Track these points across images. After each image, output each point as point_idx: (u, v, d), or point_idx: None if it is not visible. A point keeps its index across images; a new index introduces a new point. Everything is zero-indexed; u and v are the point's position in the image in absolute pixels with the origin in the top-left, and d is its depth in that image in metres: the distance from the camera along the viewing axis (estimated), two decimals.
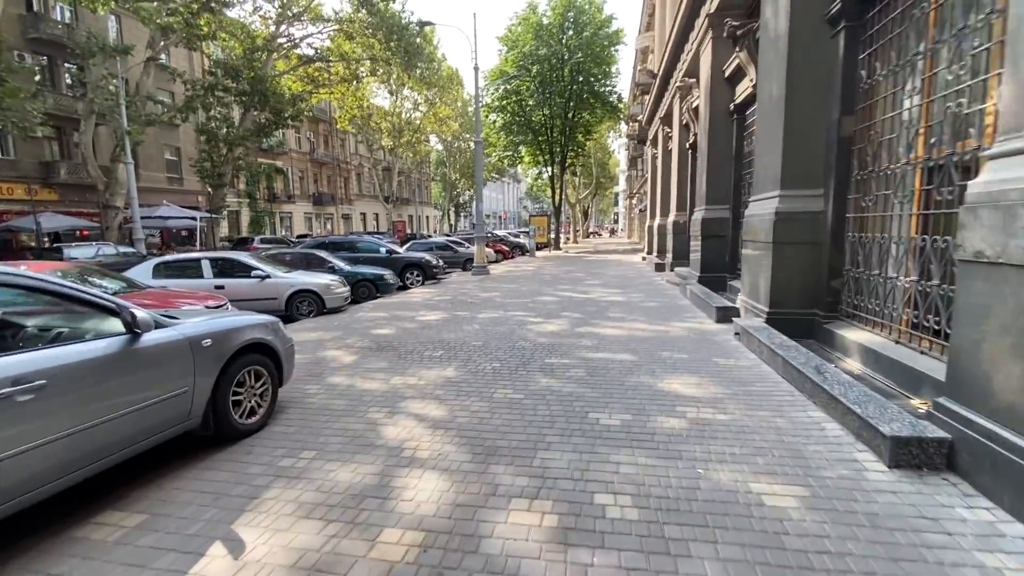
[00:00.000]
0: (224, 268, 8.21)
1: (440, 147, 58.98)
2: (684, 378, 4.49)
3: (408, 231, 49.90)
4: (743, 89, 8.90)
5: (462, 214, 72.09)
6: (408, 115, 43.56)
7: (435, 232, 56.91)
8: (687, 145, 13.86)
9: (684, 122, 13.64)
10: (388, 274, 11.08)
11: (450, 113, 45.29)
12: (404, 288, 12.98)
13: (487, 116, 32.45)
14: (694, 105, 12.09)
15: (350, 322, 7.84)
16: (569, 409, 3.83)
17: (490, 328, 7.01)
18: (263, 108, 25.14)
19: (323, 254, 10.87)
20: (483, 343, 6.10)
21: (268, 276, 8.22)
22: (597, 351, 5.58)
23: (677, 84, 13.10)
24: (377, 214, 54.38)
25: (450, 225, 66.82)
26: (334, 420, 3.79)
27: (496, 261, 22.75)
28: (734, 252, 9.73)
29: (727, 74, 9.49)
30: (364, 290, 10.65)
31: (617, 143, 70.19)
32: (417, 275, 13.18)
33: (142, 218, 19.63)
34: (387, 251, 13.01)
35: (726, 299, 8.23)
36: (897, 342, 4.31)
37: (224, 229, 34.01)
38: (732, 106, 9.50)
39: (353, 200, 50.90)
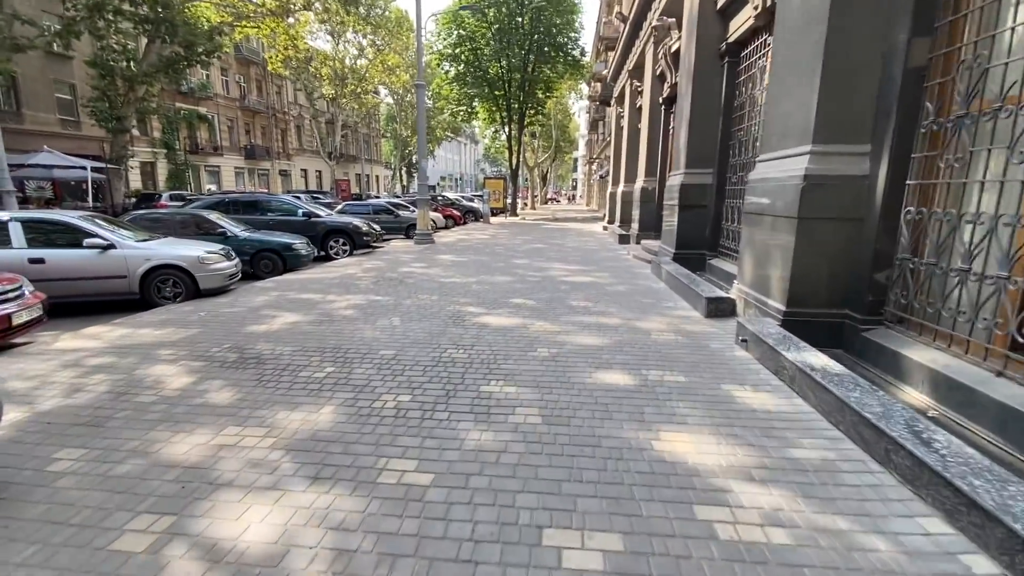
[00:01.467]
0: (46, 234, 5.90)
1: (390, 100, 54.83)
2: (694, 433, 2.88)
3: (355, 191, 46.46)
4: (741, 22, 7.17)
5: (415, 174, 68.32)
6: (353, 62, 39.52)
7: (385, 193, 53.43)
8: (660, 99, 12.14)
9: (658, 71, 11.87)
10: (300, 243, 8.95)
11: (399, 62, 41.44)
12: (328, 259, 10.87)
13: (438, 65, 29.47)
14: (673, 48, 10.31)
15: (223, 312, 5.80)
16: (511, 521, 2.13)
17: (414, 325, 5.19)
18: (171, 39, 21.40)
19: (214, 217, 8.56)
20: (397, 352, 4.30)
21: (111, 246, 5.97)
22: (557, 370, 3.90)
23: (652, 25, 11.24)
24: (320, 172, 50.34)
25: (402, 186, 63.22)
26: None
27: (446, 227, 20.69)
28: (716, 225, 8.25)
29: (720, 4, 7.73)
30: (267, 263, 8.53)
31: (578, 106, 67.91)
32: (343, 244, 11.05)
33: (16, 166, 16.17)
34: (305, 214, 10.75)
35: (714, 284, 6.74)
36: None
37: (136, 182, 29.90)
38: (724, 46, 7.79)
39: (292, 155, 46.59)
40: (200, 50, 21.91)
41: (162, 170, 32.23)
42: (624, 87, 17.36)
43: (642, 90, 14.22)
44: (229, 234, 8.32)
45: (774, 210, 4.66)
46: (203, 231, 8.28)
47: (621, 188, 16.98)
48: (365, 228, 11.30)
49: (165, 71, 21.84)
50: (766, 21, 6.56)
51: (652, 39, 11.93)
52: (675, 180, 8.85)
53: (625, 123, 17.02)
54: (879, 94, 3.98)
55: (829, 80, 4.06)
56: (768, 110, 5.09)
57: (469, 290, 7.08)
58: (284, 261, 8.62)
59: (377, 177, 64.17)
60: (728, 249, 7.82)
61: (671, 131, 11.97)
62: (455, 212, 21.95)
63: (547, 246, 13.44)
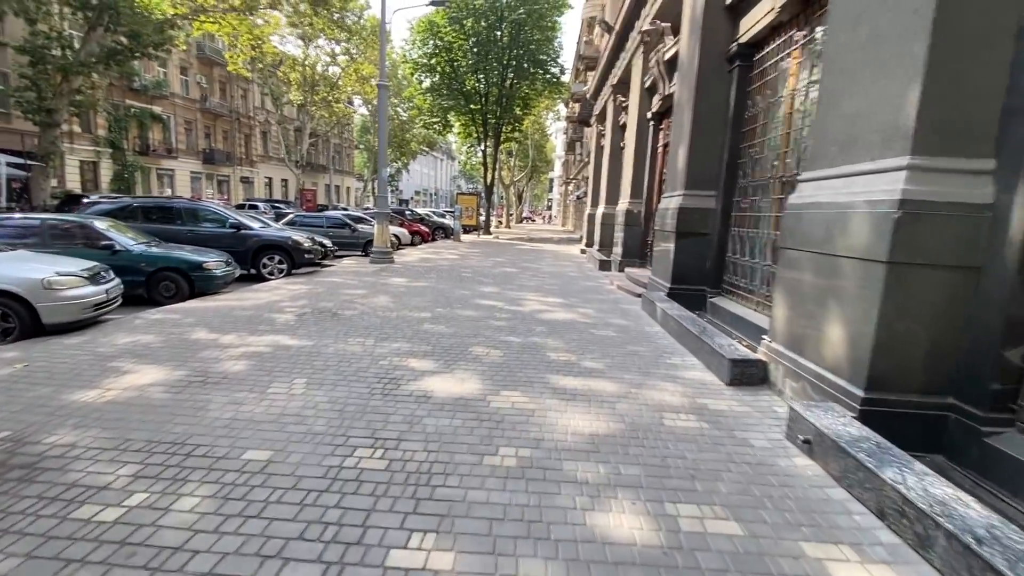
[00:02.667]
0: None
1: (365, 111, 53.28)
2: None
3: (322, 202, 44.31)
4: (756, 19, 5.99)
5: (389, 187, 66.49)
6: (324, 68, 37.92)
7: (356, 205, 51.38)
8: (648, 114, 11.00)
9: (647, 83, 10.75)
10: (216, 261, 7.23)
11: (374, 72, 40.05)
12: (260, 279, 9.13)
13: (412, 74, 28.17)
14: (667, 56, 9.17)
15: (55, 363, 4.08)
16: None
17: (321, 396, 3.60)
18: (115, 28, 19.47)
19: (100, 226, 6.76)
20: (272, 457, 2.69)
21: None
22: (531, 499, 2.39)
23: (643, 29, 10.13)
24: (286, 180, 48.01)
25: (374, 199, 61.13)
26: None
27: (412, 244, 19.09)
28: (720, 257, 6.95)
29: (729, 0, 6.57)
30: (168, 286, 6.78)
31: (555, 127, 67.73)
32: (279, 262, 9.34)
33: None
34: (233, 225, 9.01)
35: (719, 329, 5.38)
36: None
37: (75, 183, 27.28)
38: (733, 48, 6.60)
39: (256, 162, 44.26)
40: (147, 42, 20.02)
41: (107, 171, 29.61)
42: (606, 104, 16.31)
43: (627, 105, 13.12)
44: (119, 247, 6.55)
45: (835, 247, 3.32)
46: (85, 243, 6.49)
47: (601, 209, 15.78)
48: (307, 244, 9.62)
49: (105, 62, 19.80)
50: (794, 13, 5.38)
51: (641, 47, 10.82)
52: (671, 203, 7.57)
53: (607, 141, 15.92)
54: (1011, 85, 2.71)
55: (940, 63, 2.76)
56: (822, 112, 3.79)
57: (418, 331, 5.52)
58: (191, 283, 6.88)
59: (348, 188, 62.09)
60: (735, 287, 6.52)
61: (659, 148, 10.82)
62: (423, 228, 20.38)
63: (521, 270, 12.01)
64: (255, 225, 9.38)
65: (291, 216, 14.37)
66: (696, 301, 7.08)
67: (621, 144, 14.69)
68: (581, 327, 6.09)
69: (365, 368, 4.17)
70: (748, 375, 4.10)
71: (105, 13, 18.96)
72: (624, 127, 14.13)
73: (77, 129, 27.34)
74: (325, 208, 33.42)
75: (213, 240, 8.84)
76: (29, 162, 18.68)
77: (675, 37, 9.03)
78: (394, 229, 17.25)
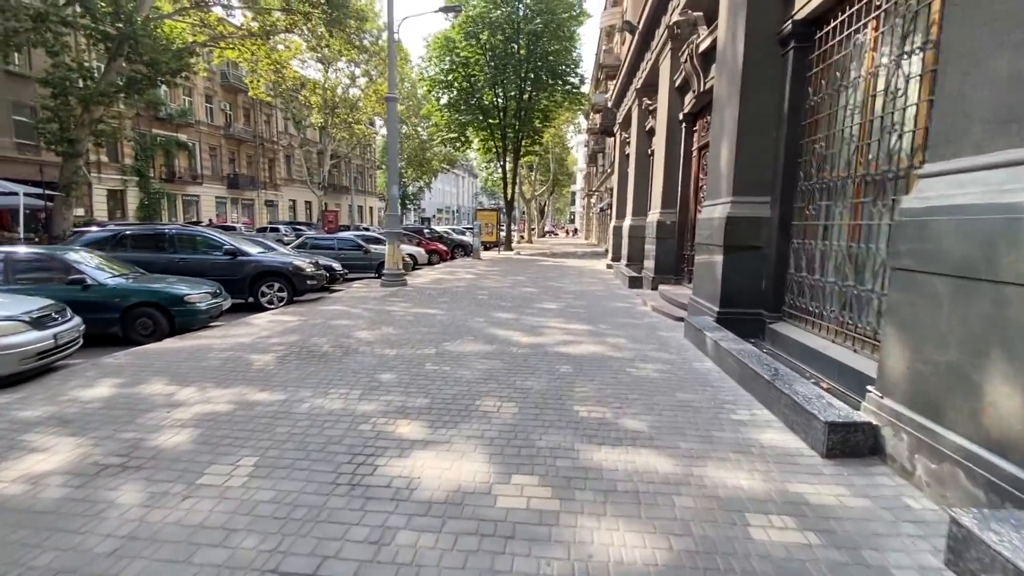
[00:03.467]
0: None
1: (386, 132, 53.73)
2: None
3: (344, 223, 44.39)
4: None
5: (410, 206, 66.74)
6: (344, 91, 38.17)
7: (379, 225, 51.45)
8: (680, 115, 9.97)
9: (678, 81, 9.73)
10: (201, 292, 6.47)
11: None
12: (259, 308, 8.39)
13: (430, 91, 27.84)
14: (701, 48, 8.15)
15: None
16: None
17: (267, 490, 2.65)
18: (136, 58, 19.62)
19: (73, 257, 6.09)
20: None
21: None
22: None
23: (672, 22, 9.16)
24: (310, 203, 48.43)
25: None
26: None
27: (429, 263, 18.34)
28: (780, 275, 5.81)
29: None
30: (146, 323, 6.04)
31: (576, 139, 67.03)
32: (279, 290, 8.59)
33: None
34: (229, 251, 8.32)
35: (801, 372, 4.25)
36: None
37: (103, 211, 27.71)
38: (788, 25, 5.56)
39: (280, 185, 44.79)
40: (165, 69, 20.10)
41: (133, 199, 30.08)
42: (630, 109, 15.33)
43: (654, 108, 12.12)
44: (90, 281, 5.86)
45: (997, 270, 2.23)
46: (53, 277, 5.83)
47: (628, 222, 14.71)
48: (309, 269, 8.85)
49: (126, 91, 19.95)
50: None
51: (669, 44, 9.84)
52: (715, 212, 6.48)
53: (632, 149, 14.90)
54: None
55: None
56: (951, 81, 2.70)
57: (418, 375, 4.57)
58: (171, 319, 6.13)
59: (371, 208, 62.51)
60: (803, 312, 5.37)
61: (694, 152, 9.75)
62: (440, 247, 19.63)
63: (542, 290, 11.01)
64: (253, 250, 8.67)
65: (302, 239, 13.77)
66: (751, 328, 5.95)
67: (649, 151, 13.66)
68: (615, 364, 5.04)
69: (338, 437, 3.22)
70: (852, 444, 2.98)
71: (125, 43, 19.10)
72: (651, 132, 13.11)
73: (104, 159, 27.87)
74: (347, 229, 33.24)
75: (207, 268, 8.17)
76: (49, 191, 18.78)
77: (708, 27, 8.02)
78: (409, 249, 16.54)
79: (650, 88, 12.92)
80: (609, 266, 16.92)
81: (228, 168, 38.39)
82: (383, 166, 58.16)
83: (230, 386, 4.21)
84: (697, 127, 9.59)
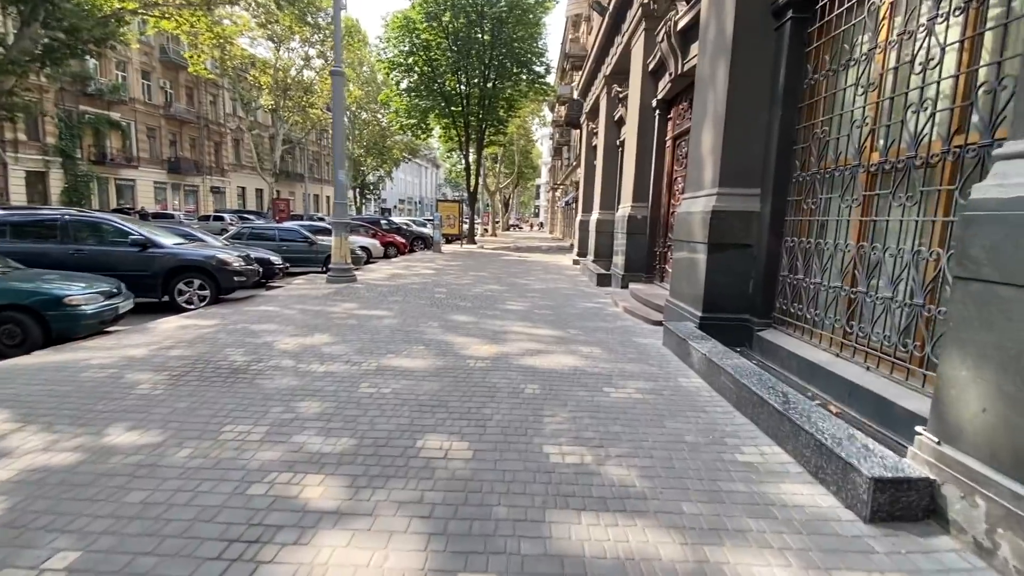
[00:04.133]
0: None
1: (344, 119, 51.50)
2: None
3: (301, 212, 42.10)
4: None
5: (370, 196, 64.46)
6: (299, 72, 35.99)
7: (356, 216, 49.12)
8: (653, 102, 9.30)
9: (652, 65, 9.05)
10: (85, 294, 5.29)
11: (350, 75, 38.24)
12: (176, 309, 7.19)
13: (387, 74, 26.39)
14: (679, 25, 7.46)
15: None
16: None
17: None
18: (56, 24, 17.47)
19: None
20: None
21: None
22: None
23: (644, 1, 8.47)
24: (261, 190, 45.76)
25: (357, 208, 59.23)
26: None
27: (386, 256, 17.20)
28: (770, 277, 5.19)
29: None
30: (13, 331, 4.84)
31: (541, 132, 66.33)
32: (200, 287, 7.39)
33: None
34: (138, 242, 7.05)
35: (802, 389, 3.58)
36: None
37: (20, 195, 24.94)
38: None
39: (227, 171, 42.07)
40: (87, 37, 17.99)
41: (57, 182, 27.29)
42: (598, 97, 14.64)
43: (625, 96, 11.45)
44: None
45: None
46: None
47: (595, 216, 14.06)
48: (237, 263, 7.68)
49: (42, 60, 17.74)
50: None
51: (644, 22, 9.15)
52: (696, 205, 5.81)
53: (600, 140, 14.23)
54: None
55: None
56: None
57: (347, 402, 3.66)
58: (46, 325, 4.94)
59: (327, 198, 59.91)
60: (796, 319, 4.76)
61: (668, 142, 9.12)
62: (398, 239, 18.48)
63: (506, 288, 10.19)
64: (168, 241, 7.41)
65: (236, 229, 12.40)
66: (737, 335, 5.33)
67: (618, 141, 13.01)
68: (590, 382, 4.27)
69: (214, 510, 2.28)
70: (903, 505, 2.30)
71: (41, 7, 16.92)
72: (621, 122, 12.45)
73: (23, 137, 25.07)
74: (299, 218, 31.34)
75: (111, 262, 6.90)
76: None
77: (688, 2, 7.34)
78: (362, 241, 15.38)
79: (620, 75, 12.24)
80: (576, 261, 16.27)
81: (169, 151, 35.60)
82: None
83: (90, 422, 3.18)
84: (672, 115, 8.95)
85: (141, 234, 7.03)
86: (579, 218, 18.22)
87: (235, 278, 7.62)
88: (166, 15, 21.78)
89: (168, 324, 6.04)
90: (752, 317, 5.34)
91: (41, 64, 17.91)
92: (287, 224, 13.04)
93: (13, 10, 17.43)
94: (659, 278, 9.34)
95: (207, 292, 7.44)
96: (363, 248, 14.94)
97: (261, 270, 8.45)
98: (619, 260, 10.31)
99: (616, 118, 13.02)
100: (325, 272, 10.85)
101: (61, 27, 17.46)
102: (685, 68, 7.53)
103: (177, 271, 7.20)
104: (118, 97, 30.20)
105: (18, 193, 24.95)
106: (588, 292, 10.05)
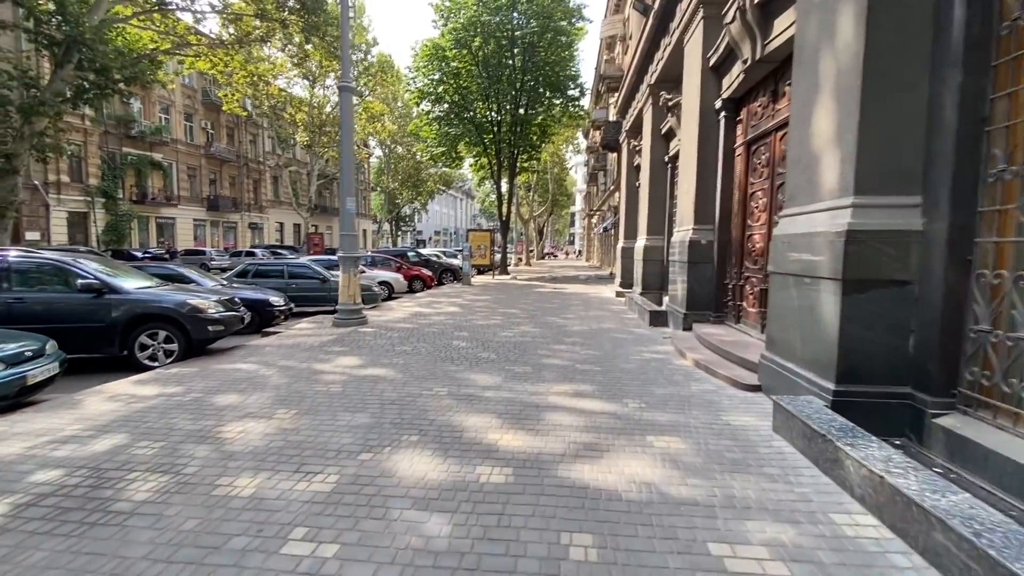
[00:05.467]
0: None
1: (379, 153, 52.15)
2: None
3: (331, 246, 42.01)
4: None
5: (404, 229, 64.71)
6: (334, 109, 36.38)
7: (371, 247, 49.22)
8: (717, 103, 7.63)
9: (714, 60, 7.41)
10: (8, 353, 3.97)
11: (383, 109, 38.40)
12: (138, 367, 5.87)
13: (417, 104, 25.81)
14: None
15: None
16: None
17: None
18: (89, 65, 17.58)
19: None
20: None
21: None
22: None
23: None
24: (298, 225, 46.24)
25: (392, 240, 59.52)
26: None
27: (411, 291, 15.88)
28: (949, 331, 3.32)
29: None
30: None
31: (574, 160, 65.37)
32: (166, 339, 6.07)
33: None
34: (88, 287, 5.80)
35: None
36: None
37: (62, 235, 25.37)
38: None
39: (265, 207, 42.71)
40: (116, 76, 18.03)
41: (98, 221, 27.80)
42: (641, 111, 13.06)
43: (676, 103, 9.83)
44: None
45: None
46: None
47: (643, 242, 12.29)
48: (214, 309, 6.34)
49: (72, 101, 17.83)
50: None
51: (702, 9, 7.57)
52: (809, 224, 4.02)
53: (645, 158, 12.60)
54: None
55: None
56: None
57: (265, 571, 2.04)
58: None
59: (364, 231, 60.42)
60: (1005, 398, 2.87)
61: (736, 150, 7.37)
62: (424, 272, 17.17)
63: (540, 330, 8.51)
64: (130, 285, 6.15)
65: (242, 266, 11.29)
66: (894, 418, 3.46)
67: (666, 157, 11.35)
68: (683, 532, 2.49)
69: None
70: None
71: (74, 49, 17.04)
72: (670, 135, 10.81)
73: (65, 178, 25.68)
74: (333, 252, 30.92)
75: (59, 312, 5.68)
76: None
77: None
78: (383, 275, 14.11)
79: (668, 83, 10.67)
80: (619, 294, 14.44)
81: (208, 189, 36.27)
82: (377, 187, 56.24)
83: None
84: (743, 115, 7.23)
85: (96, 277, 5.80)
86: (620, 245, 16.45)
87: (210, 328, 6.26)
88: (197, 55, 21.99)
89: (100, 395, 4.65)
90: (918, 393, 3.46)
91: (73, 105, 18.01)
92: (298, 260, 11.87)
93: (47, 52, 17.66)
94: (733, 318, 7.44)
95: (175, 346, 6.09)
96: (383, 283, 13.66)
97: (247, 316, 7.09)
98: (678, 294, 8.47)
99: (663, 131, 11.38)
100: (335, 312, 9.47)
101: (92, 67, 17.53)
102: (767, 50, 5.85)
103: (138, 321, 5.90)
104: (160, 139, 30.96)
105: (60, 233, 25.39)
106: (641, 335, 8.22)
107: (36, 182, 24.27)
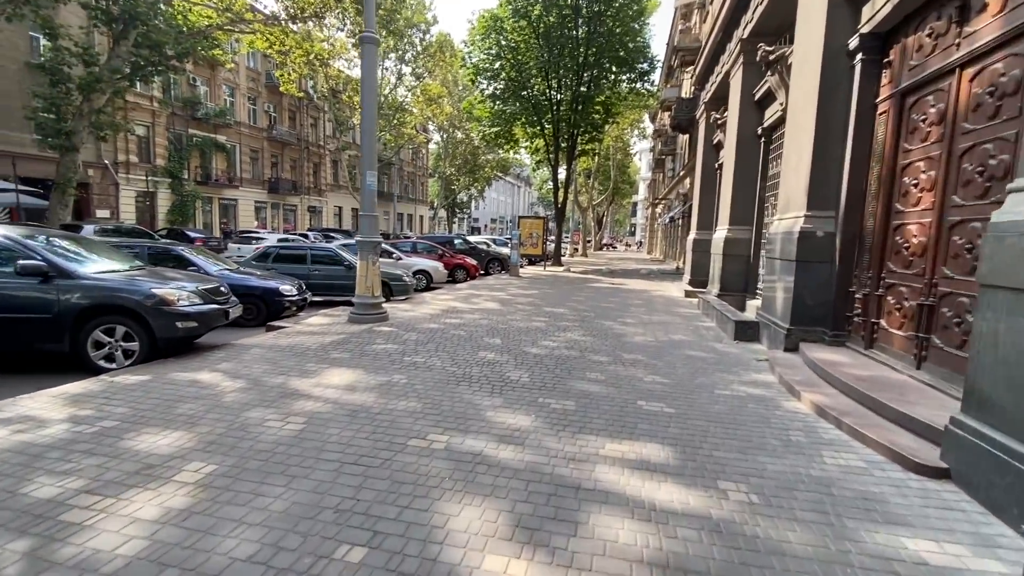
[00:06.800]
0: None
1: (438, 138, 51.46)
2: None
3: (391, 231, 41.84)
4: None
5: (460, 216, 64.08)
6: (391, 91, 35.79)
7: (424, 233, 48.82)
8: (853, 40, 5.50)
9: None
10: None
11: (441, 91, 37.32)
12: (92, 370, 4.79)
13: (473, 82, 24.33)
14: None
15: None
16: None
17: None
18: (144, 41, 17.50)
19: None
20: None
21: None
22: None
23: None
24: (356, 210, 46.53)
25: (448, 227, 59.14)
26: None
27: (453, 280, 14.55)
28: None
29: None
30: None
31: (639, 147, 61.73)
32: (125, 336, 4.92)
33: None
34: (31, 270, 4.71)
35: None
36: None
37: (130, 215, 26.28)
38: None
39: (325, 191, 43.13)
40: (170, 52, 17.82)
41: (164, 201, 28.67)
42: (727, 73, 10.76)
43: (778, 56, 7.67)
44: None
45: None
46: None
47: (723, 233, 10.17)
48: (185, 302, 5.15)
49: (129, 78, 17.81)
50: None
51: None
52: None
53: (731, 130, 10.39)
54: None
55: None
56: None
57: None
58: None
59: (420, 217, 60.39)
60: None
61: (884, 104, 5.26)
62: (468, 261, 15.75)
63: (591, 339, 6.79)
64: (88, 269, 5.04)
65: (262, 248, 10.30)
66: None
67: (760, 128, 9.19)
68: None
69: None
70: None
71: (131, 26, 16.93)
72: (766, 99, 8.66)
73: (135, 159, 26.49)
74: (387, 237, 30.39)
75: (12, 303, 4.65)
76: (25, 188, 16.79)
77: None
78: (422, 262, 12.81)
79: (766, 35, 8.50)
80: (689, 294, 12.35)
81: (270, 172, 36.85)
82: (435, 173, 55.75)
83: None
84: (893, 56, 5.09)
85: (44, 258, 4.73)
86: (692, 236, 14.24)
87: (180, 324, 5.06)
88: (252, 31, 21.61)
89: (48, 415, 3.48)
90: None
91: (130, 82, 18.01)
92: (320, 244, 10.70)
93: (105, 29, 17.69)
94: (862, 340, 5.38)
95: (136, 344, 4.94)
96: (420, 272, 12.36)
97: (234, 310, 5.87)
98: (777, 302, 6.45)
99: (757, 95, 9.19)
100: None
101: (147, 43, 17.35)
102: None
103: (91, 312, 4.78)
104: (224, 121, 31.48)
105: (128, 212, 26.29)
106: (725, 353, 6.31)
107: (107, 161, 25.08)
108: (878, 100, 5.33)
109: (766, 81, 8.51)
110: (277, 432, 3.36)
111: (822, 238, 5.82)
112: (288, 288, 7.80)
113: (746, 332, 7.08)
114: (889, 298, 4.94)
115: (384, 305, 8.46)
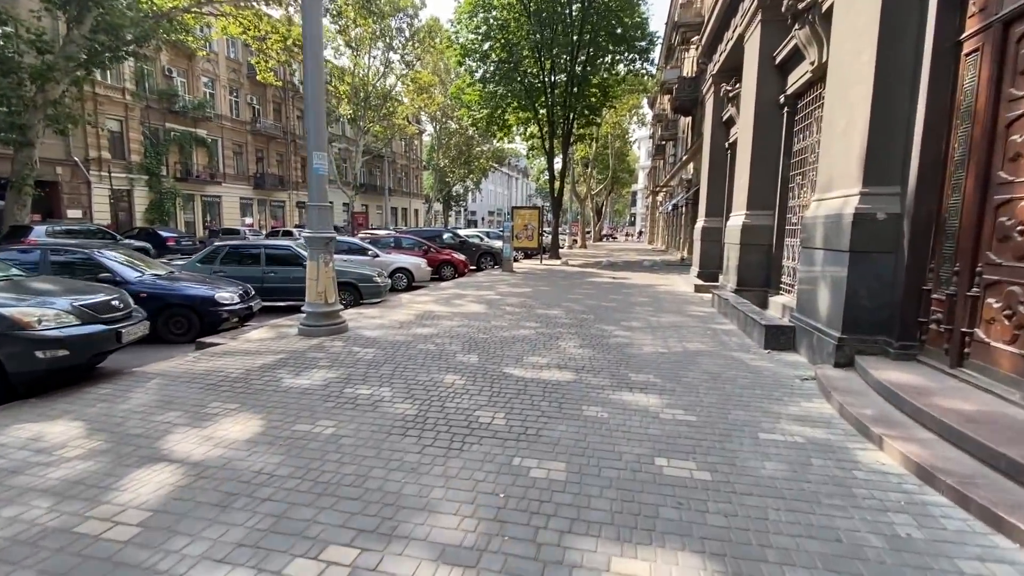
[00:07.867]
0: None
1: (431, 128, 49.85)
2: None
3: (381, 225, 40.53)
4: None
5: (456, 209, 62.65)
6: (379, 80, 34.33)
7: (422, 227, 47.45)
8: None
9: None
10: None
11: (432, 80, 35.79)
12: None
13: (460, 63, 22.86)
14: None
15: None
16: None
17: None
18: (103, 24, 16.10)
19: None
20: None
21: None
22: None
23: None
24: (347, 204, 45.13)
25: (444, 221, 57.75)
26: None
27: (439, 278, 13.26)
28: None
29: None
30: None
31: (638, 134, 60.04)
32: None
33: None
34: None
35: None
36: None
37: (103, 214, 24.89)
38: None
39: None
40: (129, 37, 16.42)
41: (142, 199, 27.30)
42: (740, 37, 9.40)
43: (809, 4, 6.33)
44: None
45: None
46: None
47: (740, 219, 8.85)
48: (53, 328, 3.86)
49: (85, 65, 16.39)
50: None
51: None
52: None
53: (748, 100, 9.05)
54: None
55: None
56: None
57: None
58: None
59: (415, 211, 58.97)
60: None
61: (969, 42, 3.91)
62: (456, 257, 14.44)
63: (591, 353, 5.50)
64: None
65: (209, 248, 8.97)
66: None
67: (784, 94, 7.85)
68: None
69: None
70: None
71: (87, 10, 15.49)
72: (788, 62, 7.34)
73: (107, 155, 25.09)
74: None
75: None
76: None
77: None
78: (402, 259, 11.52)
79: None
80: (699, 288, 11.05)
81: (255, 167, 35.42)
82: (429, 166, 54.22)
83: None
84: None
85: None
86: (700, 224, 12.92)
87: (41, 355, 3.79)
88: (224, 13, 20.16)
89: None
90: None
91: (86, 70, 16.60)
92: (280, 242, 9.37)
93: (60, 15, 16.27)
94: (947, 356, 4.08)
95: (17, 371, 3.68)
96: (400, 270, 11.07)
97: (138, 329, 4.58)
98: (822, 305, 5.15)
99: (778, 59, 7.84)
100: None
101: (104, 26, 15.94)
102: None
103: None
104: (204, 114, 30.03)
105: (102, 211, 24.92)
106: (759, 370, 5.01)
107: (76, 159, 23.69)
108: (963, 36, 4.01)
109: (791, 38, 7.16)
110: (81, 550, 2.09)
111: (883, 221, 4.51)
112: (226, 295, 6.52)
113: (779, 339, 5.79)
114: (991, 300, 3.65)
115: (348, 312, 7.20)
